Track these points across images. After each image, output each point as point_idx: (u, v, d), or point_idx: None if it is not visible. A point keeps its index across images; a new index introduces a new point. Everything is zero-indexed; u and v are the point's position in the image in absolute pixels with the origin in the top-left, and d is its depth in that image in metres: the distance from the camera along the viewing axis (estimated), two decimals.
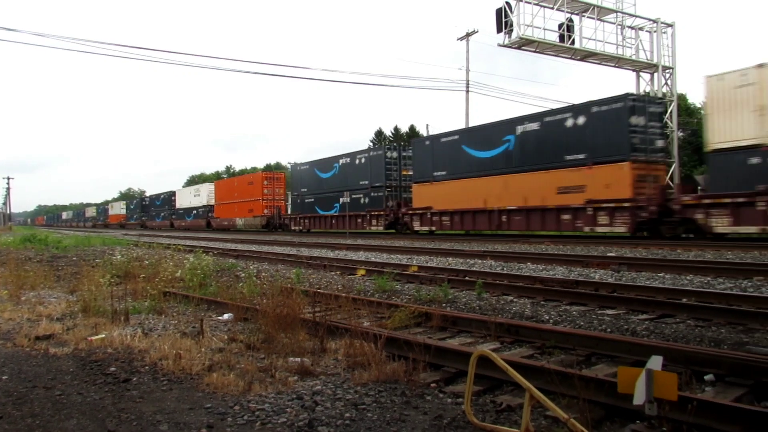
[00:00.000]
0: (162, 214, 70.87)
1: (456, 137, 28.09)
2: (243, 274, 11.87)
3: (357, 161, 35.08)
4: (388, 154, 33.09)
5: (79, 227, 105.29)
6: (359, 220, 33.89)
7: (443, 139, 28.86)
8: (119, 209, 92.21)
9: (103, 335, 5.99)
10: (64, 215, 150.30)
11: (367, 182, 33.79)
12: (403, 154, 33.24)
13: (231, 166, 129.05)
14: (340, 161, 36.59)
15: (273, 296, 6.29)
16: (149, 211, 76.42)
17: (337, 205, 35.81)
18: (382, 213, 32.33)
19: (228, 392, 4.17)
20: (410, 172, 32.02)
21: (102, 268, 11.23)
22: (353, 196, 33.25)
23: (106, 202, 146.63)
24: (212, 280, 10.54)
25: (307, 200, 40.22)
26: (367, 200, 33.64)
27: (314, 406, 3.86)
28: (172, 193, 69.05)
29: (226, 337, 5.99)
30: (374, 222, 32.90)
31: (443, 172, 28.36)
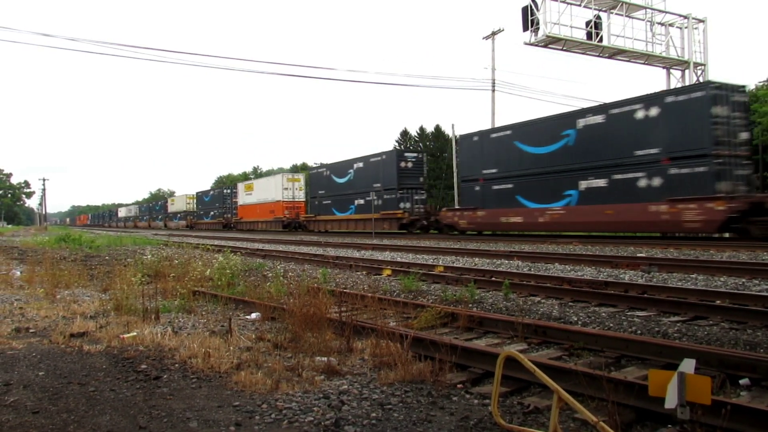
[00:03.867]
0: (496, 189, 25.78)
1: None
2: (270, 274, 11.99)
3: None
4: None
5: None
6: None
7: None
8: (259, 194, 47.17)
9: (135, 333, 6.12)
10: (122, 212, 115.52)
11: None
12: None
13: (258, 166, 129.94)
14: None
15: (300, 296, 6.35)
16: (407, 188, 32.74)
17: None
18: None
19: (256, 391, 4.22)
20: None
21: (133, 268, 11.45)
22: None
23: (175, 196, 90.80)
24: (240, 280, 10.67)
25: None
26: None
27: (341, 406, 3.88)
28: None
29: (253, 336, 6.06)
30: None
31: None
